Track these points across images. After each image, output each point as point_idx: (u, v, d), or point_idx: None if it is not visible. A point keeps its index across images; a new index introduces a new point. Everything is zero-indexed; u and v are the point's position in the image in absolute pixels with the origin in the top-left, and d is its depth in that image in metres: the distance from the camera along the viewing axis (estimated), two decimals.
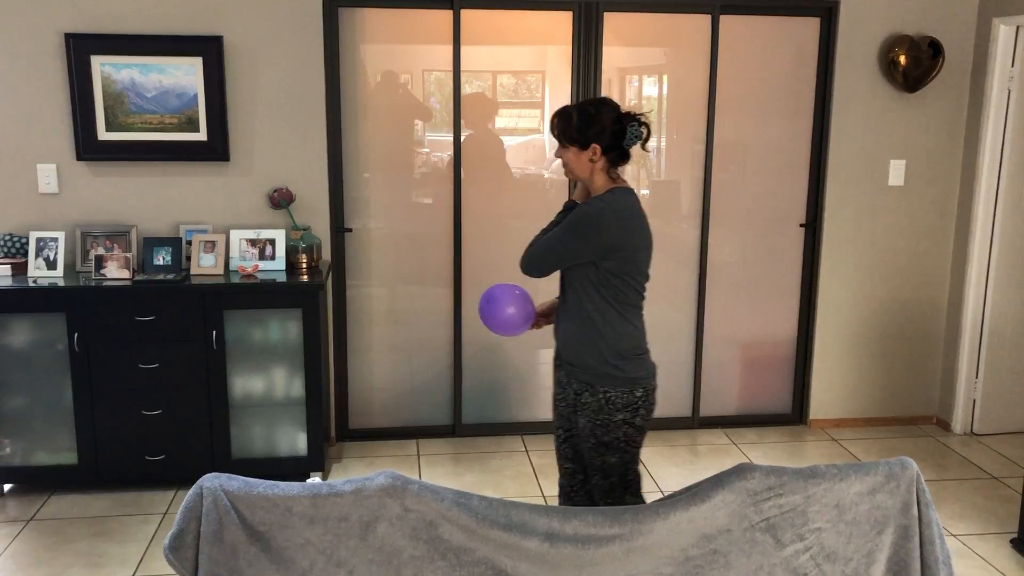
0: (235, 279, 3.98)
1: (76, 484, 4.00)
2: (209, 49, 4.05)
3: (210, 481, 2.19)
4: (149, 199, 4.18)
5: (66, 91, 4.03)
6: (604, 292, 2.72)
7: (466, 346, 4.61)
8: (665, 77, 4.61)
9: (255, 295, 3.95)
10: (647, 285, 2.82)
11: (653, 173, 4.70)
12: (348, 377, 4.58)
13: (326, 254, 4.36)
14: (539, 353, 4.70)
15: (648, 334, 2.86)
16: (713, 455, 4.51)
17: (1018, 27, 4.39)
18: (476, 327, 4.59)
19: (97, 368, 3.85)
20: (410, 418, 4.67)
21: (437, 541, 2.20)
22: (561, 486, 3.09)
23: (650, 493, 3.96)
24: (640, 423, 2.80)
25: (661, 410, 4.77)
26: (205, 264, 4.05)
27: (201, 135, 4.12)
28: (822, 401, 4.86)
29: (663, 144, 4.65)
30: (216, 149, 4.14)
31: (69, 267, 4.09)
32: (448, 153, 4.45)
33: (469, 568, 2.20)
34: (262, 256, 4.14)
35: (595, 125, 2.69)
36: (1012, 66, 4.43)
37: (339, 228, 4.42)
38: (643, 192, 4.65)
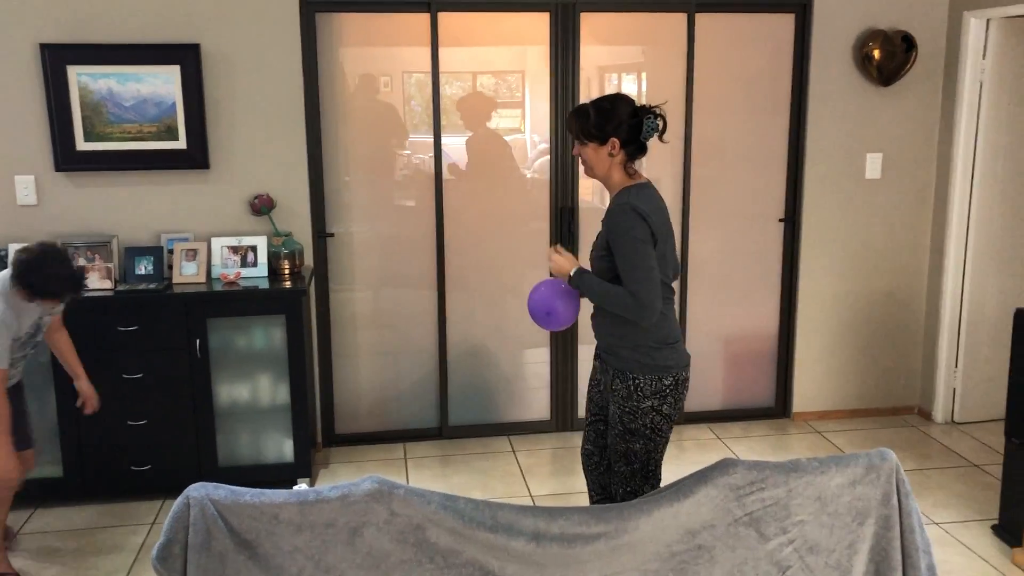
0: (217, 287, 3.98)
1: (62, 497, 3.98)
2: (187, 57, 4.04)
3: (197, 491, 2.20)
4: (129, 209, 4.18)
5: (43, 102, 4.01)
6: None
7: (451, 348, 4.63)
8: (644, 75, 4.64)
9: (238, 302, 3.95)
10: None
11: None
12: (333, 382, 4.59)
13: (308, 259, 4.36)
14: (524, 353, 4.72)
15: None
16: (699, 450, 4.55)
17: (988, 20, 4.44)
18: (461, 329, 4.61)
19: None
20: (397, 421, 4.68)
21: (424, 544, 2.22)
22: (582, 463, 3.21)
23: None
24: (668, 411, 2.84)
25: None
26: (187, 272, 4.05)
27: (180, 143, 4.11)
28: (805, 394, 4.91)
29: None
30: (196, 157, 4.13)
31: None
32: (429, 155, 4.46)
33: (457, 570, 2.22)
34: (244, 263, 4.13)
35: (613, 120, 2.76)
36: (983, 58, 4.49)
37: (321, 233, 4.42)
38: None
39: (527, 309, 2.96)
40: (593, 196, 4.66)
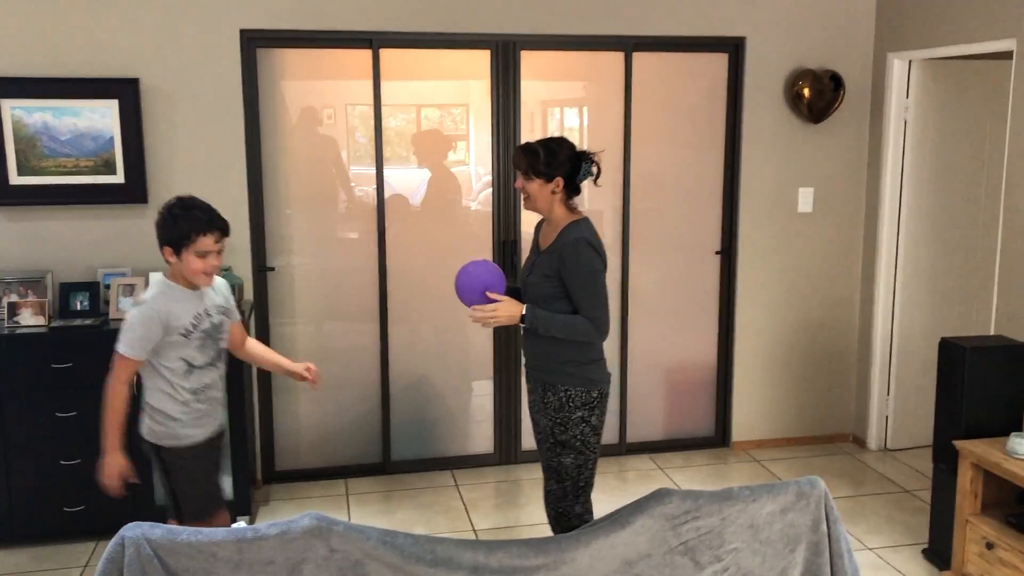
0: None
1: None
2: (125, 91, 4.01)
3: (131, 530, 2.17)
4: (65, 243, 4.11)
5: None
6: (567, 310, 3.00)
7: (394, 382, 4.62)
8: (585, 109, 4.74)
9: None
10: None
11: (577, 202, 4.79)
12: (274, 418, 4.54)
13: (248, 294, 4.33)
14: (468, 386, 4.73)
15: None
16: (641, 481, 4.60)
17: (910, 61, 4.64)
18: (403, 362, 4.61)
19: (11, 418, 3.74)
20: (338, 457, 4.64)
21: None
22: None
23: None
24: (596, 423, 3.06)
25: None
26: (125, 308, 3.98)
27: (118, 178, 4.07)
28: (743, 423, 5.00)
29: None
30: (134, 191, 4.09)
31: None
32: (372, 187, 4.48)
33: None
34: None
35: (558, 160, 3.01)
36: (907, 97, 4.68)
37: (261, 267, 4.40)
38: None
39: (457, 290, 3.05)
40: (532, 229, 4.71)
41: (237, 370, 3.89)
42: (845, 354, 5.06)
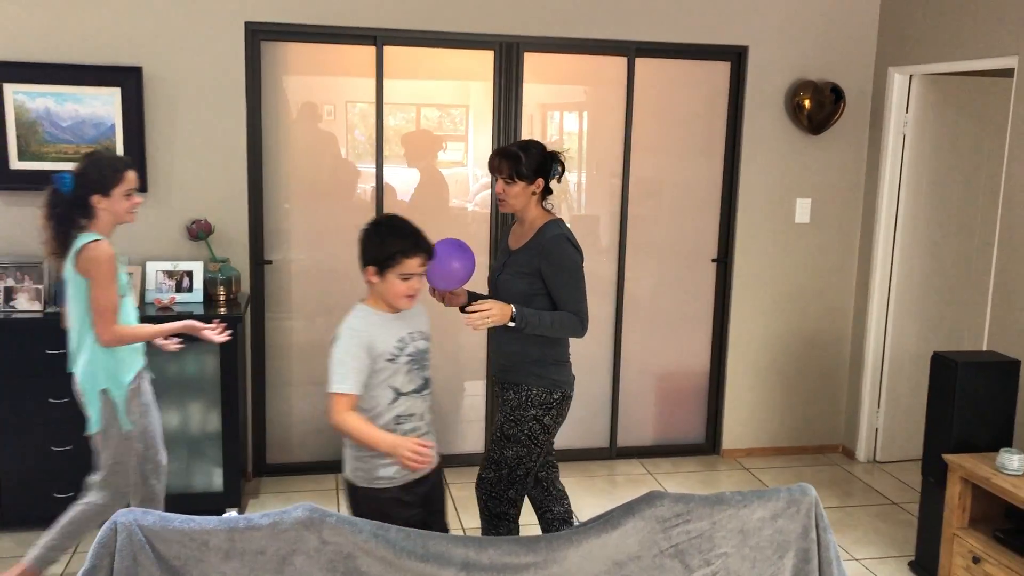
0: (151, 311, 3.92)
1: None
2: (128, 80, 4.02)
3: (124, 516, 2.17)
4: None
5: None
6: (545, 308, 3.04)
7: None
8: (585, 114, 4.75)
9: None
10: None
11: (574, 207, 4.82)
12: (266, 411, 4.54)
13: (245, 286, 4.33)
14: (461, 386, 4.74)
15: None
16: (630, 485, 4.61)
17: (911, 76, 4.67)
18: None
19: (3, 403, 3.74)
20: (329, 452, 4.64)
21: (355, 573, 2.22)
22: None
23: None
24: (549, 423, 3.10)
25: (579, 441, 4.86)
26: None
27: None
28: (734, 431, 5.02)
29: (583, 179, 4.77)
30: None
31: None
32: (371, 184, 4.49)
33: None
34: (179, 288, 4.09)
35: (537, 161, 3.09)
36: (907, 112, 4.71)
37: (259, 260, 4.40)
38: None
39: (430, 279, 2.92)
40: None
41: (231, 364, 3.89)
42: (837, 365, 5.08)
